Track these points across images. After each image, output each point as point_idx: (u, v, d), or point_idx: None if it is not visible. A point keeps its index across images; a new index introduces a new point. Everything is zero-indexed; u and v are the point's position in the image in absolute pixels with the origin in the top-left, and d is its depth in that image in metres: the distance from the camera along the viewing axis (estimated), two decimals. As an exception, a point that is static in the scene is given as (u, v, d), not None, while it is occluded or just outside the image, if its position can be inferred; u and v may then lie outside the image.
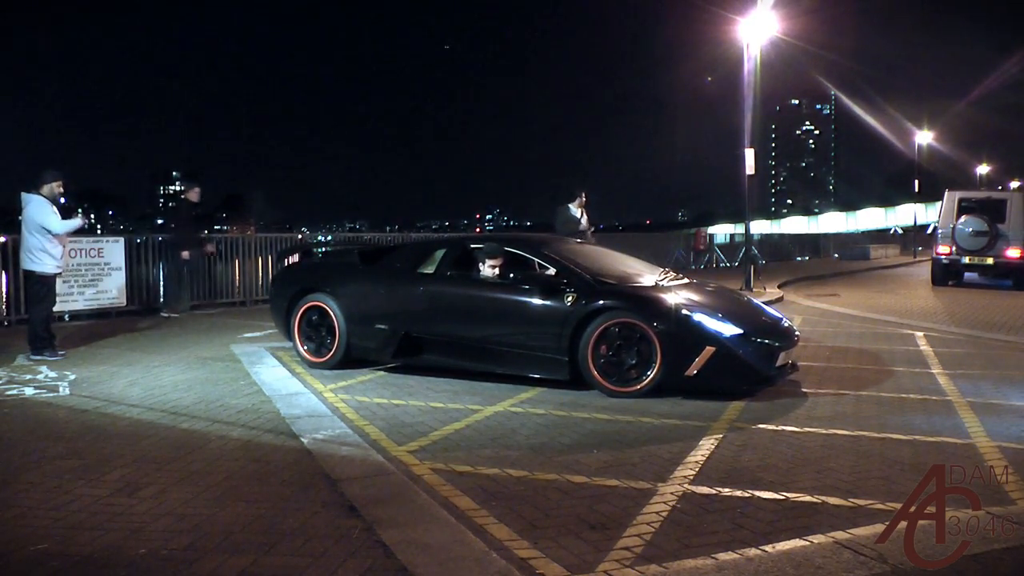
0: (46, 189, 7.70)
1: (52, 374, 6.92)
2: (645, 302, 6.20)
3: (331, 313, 7.23)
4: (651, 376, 5.98)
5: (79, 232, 8.68)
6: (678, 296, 6.33)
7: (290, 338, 7.57)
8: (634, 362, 6.04)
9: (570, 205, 10.97)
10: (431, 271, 7.13)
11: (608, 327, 6.08)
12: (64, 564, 3.07)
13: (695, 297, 6.42)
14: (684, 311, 6.05)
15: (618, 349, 6.08)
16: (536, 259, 6.91)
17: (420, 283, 7.03)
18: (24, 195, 7.71)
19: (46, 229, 7.61)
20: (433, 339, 6.88)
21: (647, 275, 7.06)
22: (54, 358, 7.63)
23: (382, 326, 7.01)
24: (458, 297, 6.88)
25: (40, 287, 7.77)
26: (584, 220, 11.10)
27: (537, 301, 6.38)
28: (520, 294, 6.50)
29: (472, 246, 7.20)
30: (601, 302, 6.14)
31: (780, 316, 6.99)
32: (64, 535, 3.35)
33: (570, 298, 6.24)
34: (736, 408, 5.77)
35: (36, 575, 3.00)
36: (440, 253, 7.27)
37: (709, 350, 5.87)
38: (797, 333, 6.87)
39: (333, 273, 7.72)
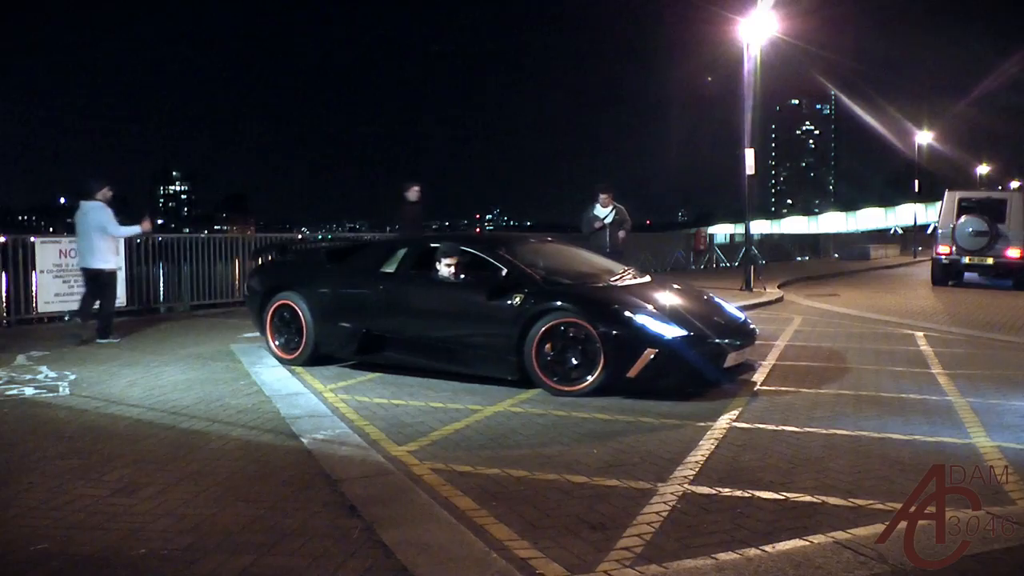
0: (100, 195, 8.69)
1: (52, 374, 6.92)
2: (589, 303, 6.24)
3: (299, 311, 7.40)
4: (594, 376, 6.02)
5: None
6: (625, 297, 6.40)
7: (263, 334, 7.74)
8: (578, 362, 6.08)
9: (596, 205, 10.86)
10: (392, 270, 7.29)
11: (553, 327, 6.13)
12: (64, 564, 3.07)
13: (645, 298, 6.45)
14: (627, 312, 6.08)
15: (562, 349, 6.13)
16: (490, 259, 6.94)
17: (380, 282, 7.19)
18: (83, 203, 8.76)
19: (108, 232, 8.64)
20: (392, 337, 7.02)
21: (605, 275, 7.18)
22: (117, 340, 8.77)
23: (345, 324, 7.18)
24: (415, 296, 7.05)
25: (110, 281, 8.89)
26: (612, 216, 10.77)
27: (488, 301, 6.48)
28: (472, 294, 6.64)
29: (432, 246, 7.30)
30: (547, 302, 6.22)
31: (738, 316, 6.95)
32: (64, 535, 3.35)
33: (518, 298, 6.32)
34: (736, 408, 5.77)
35: (36, 575, 3.00)
36: (401, 253, 7.43)
37: (650, 352, 5.88)
38: (755, 333, 6.93)
39: (301, 272, 7.96)
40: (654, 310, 6.18)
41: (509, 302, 6.35)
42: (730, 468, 4.35)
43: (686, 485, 4.06)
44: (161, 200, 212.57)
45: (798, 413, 5.66)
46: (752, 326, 7.01)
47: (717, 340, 6.18)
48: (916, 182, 43.00)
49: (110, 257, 8.81)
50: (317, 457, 4.41)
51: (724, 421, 5.39)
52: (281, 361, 7.44)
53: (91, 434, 4.95)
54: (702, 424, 5.30)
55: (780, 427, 5.25)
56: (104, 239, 8.66)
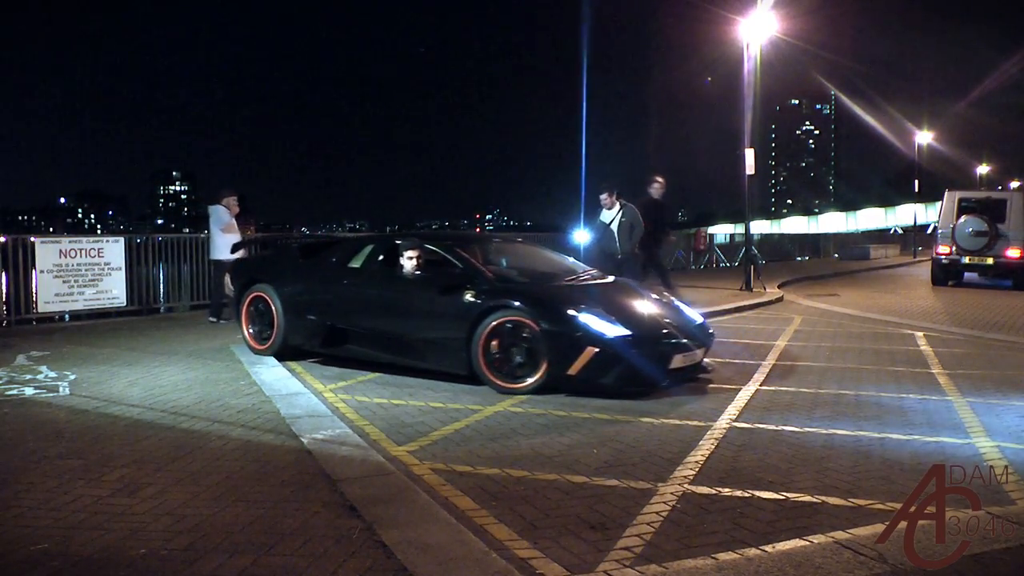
0: (224, 201, 10.41)
1: (52, 374, 6.92)
2: (534, 301, 6.28)
3: (271, 303, 7.66)
4: (538, 374, 6.09)
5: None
6: (571, 296, 6.48)
7: (239, 325, 8.05)
8: (522, 359, 6.15)
9: (602, 210, 10.51)
10: (357, 266, 7.47)
11: (500, 324, 6.22)
12: (64, 564, 3.07)
13: (594, 298, 6.52)
14: (570, 311, 6.13)
15: (508, 346, 6.20)
16: (447, 256, 7.08)
17: (344, 277, 7.39)
18: (209, 207, 10.70)
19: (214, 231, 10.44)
20: (355, 331, 7.17)
21: (563, 275, 7.35)
22: (228, 320, 9.98)
23: (312, 317, 7.40)
24: (376, 292, 7.21)
25: (221, 270, 10.11)
26: (620, 219, 10.21)
27: (441, 297, 6.62)
28: (427, 290, 6.79)
29: (397, 243, 7.50)
30: (495, 300, 6.32)
31: (693, 319, 6.95)
32: (64, 535, 3.35)
33: (468, 295, 6.44)
34: (736, 408, 5.77)
35: (36, 575, 3.00)
36: (368, 249, 7.62)
37: (591, 350, 5.92)
38: (712, 337, 6.98)
39: (275, 266, 8.26)
40: (600, 309, 6.23)
41: (460, 299, 6.47)
42: (730, 468, 4.35)
43: (686, 485, 4.06)
44: (161, 200, 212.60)
45: (798, 413, 5.66)
46: (711, 330, 7.11)
47: (662, 341, 6.24)
48: (916, 182, 42.99)
49: (224, 251, 10.16)
50: (317, 457, 4.41)
51: (724, 421, 5.39)
52: (253, 351, 7.75)
53: (91, 434, 4.95)
54: (702, 424, 5.30)
55: (780, 427, 5.25)
56: (219, 236, 10.28)
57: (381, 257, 7.44)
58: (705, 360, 6.66)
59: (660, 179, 11.25)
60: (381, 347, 6.98)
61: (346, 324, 7.20)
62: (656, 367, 6.10)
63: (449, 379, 6.64)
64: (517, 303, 6.21)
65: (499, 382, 6.20)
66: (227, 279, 9.41)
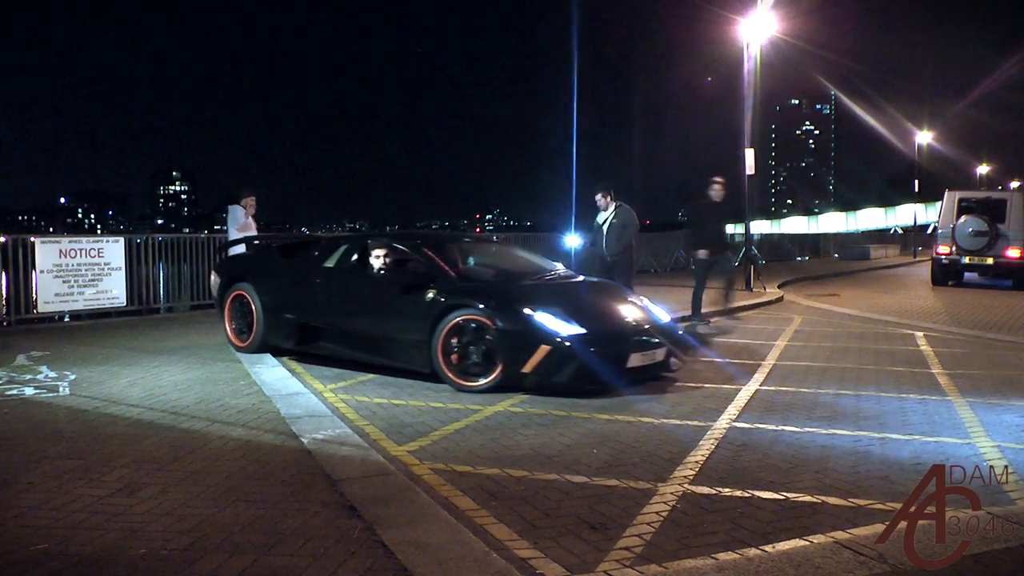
0: (243, 201, 10.67)
1: (52, 374, 6.92)
2: (491, 300, 6.34)
3: (251, 301, 7.86)
4: (494, 373, 6.16)
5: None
6: (528, 295, 6.56)
7: (222, 322, 8.23)
8: (479, 358, 6.23)
9: (599, 211, 10.09)
10: (331, 266, 7.60)
11: (458, 323, 6.30)
12: (64, 564, 3.07)
13: (553, 297, 6.60)
14: (526, 310, 6.22)
15: (467, 344, 6.27)
16: (415, 256, 7.21)
17: (318, 276, 7.52)
18: (229, 206, 10.89)
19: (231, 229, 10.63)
20: (327, 329, 7.31)
21: (530, 275, 7.50)
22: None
23: (288, 315, 7.58)
24: (348, 291, 7.36)
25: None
26: (612, 219, 9.69)
27: (407, 296, 6.73)
28: (394, 289, 6.92)
29: (370, 243, 7.63)
30: (455, 299, 6.41)
31: (658, 319, 6.93)
32: (64, 535, 3.34)
33: (431, 294, 6.54)
34: (736, 408, 5.77)
35: (36, 575, 3.00)
36: (342, 249, 7.75)
37: (544, 349, 5.99)
38: (676, 335, 7.00)
39: (255, 265, 8.47)
40: (557, 308, 6.28)
41: (423, 298, 6.57)
42: (730, 468, 4.35)
43: (686, 485, 4.06)
44: (161, 200, 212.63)
45: (798, 413, 5.66)
46: (680, 331, 7.19)
47: (619, 341, 6.29)
48: (916, 182, 43.00)
49: (238, 248, 10.09)
50: (317, 457, 4.41)
51: (724, 421, 5.39)
52: (235, 348, 7.97)
53: (91, 434, 4.95)
54: (702, 424, 5.30)
55: (780, 427, 5.25)
56: (234, 234, 10.45)
57: (354, 257, 7.57)
58: (672, 360, 6.72)
59: (719, 180, 10.43)
60: (352, 345, 7.12)
61: (319, 323, 7.36)
62: (611, 366, 6.14)
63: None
64: (475, 302, 6.32)
65: (457, 380, 6.29)
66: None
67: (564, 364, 6.00)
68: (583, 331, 6.12)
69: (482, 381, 6.20)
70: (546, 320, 6.13)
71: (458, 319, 6.29)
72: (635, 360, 6.26)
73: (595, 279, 8.03)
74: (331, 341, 7.27)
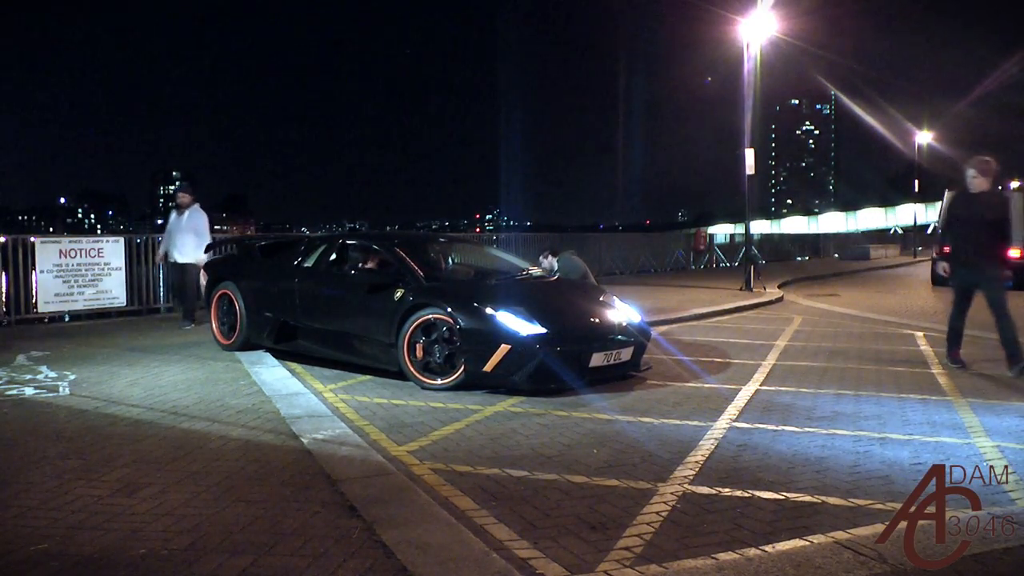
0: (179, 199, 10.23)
1: (52, 374, 6.92)
2: (455, 299, 6.44)
3: (235, 300, 8.11)
4: (458, 371, 6.25)
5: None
6: (492, 294, 6.62)
7: (209, 320, 8.50)
8: (443, 356, 6.32)
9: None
10: (309, 266, 7.77)
11: (423, 322, 6.42)
12: (64, 564, 3.07)
13: (517, 296, 6.65)
14: (488, 309, 6.27)
15: (432, 343, 6.36)
16: (386, 256, 7.33)
17: (295, 276, 7.72)
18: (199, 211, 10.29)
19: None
20: (303, 327, 7.50)
21: (499, 274, 7.65)
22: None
23: (268, 313, 7.79)
24: (323, 290, 7.54)
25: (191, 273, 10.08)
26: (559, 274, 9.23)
27: (377, 296, 6.86)
28: (365, 288, 7.04)
29: (347, 243, 7.86)
30: (421, 298, 6.52)
31: (630, 319, 6.92)
32: (64, 535, 3.34)
33: (399, 293, 6.66)
34: (736, 408, 5.77)
35: (36, 575, 3.00)
36: (320, 249, 7.92)
37: (504, 348, 6.06)
38: (647, 335, 7.06)
39: (239, 265, 8.69)
40: (520, 308, 6.32)
41: (391, 297, 6.69)
42: (730, 468, 4.35)
43: (686, 485, 4.06)
44: (161, 200, 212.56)
45: (798, 413, 5.66)
46: (648, 330, 7.23)
47: (582, 340, 6.33)
48: (916, 182, 43.01)
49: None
50: (317, 457, 4.41)
51: (724, 421, 5.39)
52: (220, 346, 8.23)
53: (91, 434, 4.95)
54: (702, 424, 5.30)
55: (780, 427, 5.25)
56: (207, 237, 10.15)
57: (332, 257, 7.71)
58: (644, 358, 6.80)
59: (977, 166, 7.61)
60: (326, 343, 7.26)
61: (296, 321, 7.54)
62: (573, 365, 6.17)
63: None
64: (440, 301, 6.41)
65: (422, 378, 6.38)
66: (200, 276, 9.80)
67: (524, 363, 6.06)
68: (543, 331, 6.17)
69: (445, 379, 6.28)
70: (507, 320, 6.18)
71: (423, 318, 6.41)
72: (598, 360, 6.30)
73: (569, 280, 8.15)
74: (307, 339, 7.43)
